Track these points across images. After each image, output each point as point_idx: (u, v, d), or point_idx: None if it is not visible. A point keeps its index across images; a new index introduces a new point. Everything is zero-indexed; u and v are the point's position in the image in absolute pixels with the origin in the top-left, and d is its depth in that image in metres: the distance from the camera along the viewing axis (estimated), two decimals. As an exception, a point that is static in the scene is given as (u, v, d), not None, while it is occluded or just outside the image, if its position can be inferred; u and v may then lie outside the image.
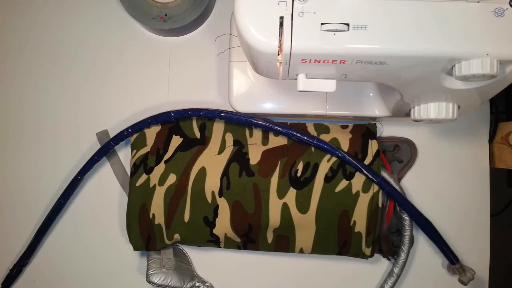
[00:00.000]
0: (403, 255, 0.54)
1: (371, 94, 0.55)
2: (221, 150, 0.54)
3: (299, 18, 0.35)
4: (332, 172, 0.52)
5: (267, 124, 0.53)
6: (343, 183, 0.52)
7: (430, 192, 0.58)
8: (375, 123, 0.56)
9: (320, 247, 0.54)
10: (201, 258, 0.59)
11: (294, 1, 0.35)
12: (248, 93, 0.55)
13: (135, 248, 0.55)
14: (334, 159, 0.52)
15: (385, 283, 0.56)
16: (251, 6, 0.35)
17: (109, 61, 0.60)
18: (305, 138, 0.52)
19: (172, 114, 0.54)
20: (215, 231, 0.54)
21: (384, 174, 0.53)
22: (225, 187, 0.52)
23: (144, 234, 0.54)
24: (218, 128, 0.55)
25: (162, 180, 0.53)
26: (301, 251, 0.55)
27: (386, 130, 0.58)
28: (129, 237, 0.54)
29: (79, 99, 0.60)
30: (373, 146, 0.53)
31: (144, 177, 0.54)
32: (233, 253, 0.59)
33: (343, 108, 0.55)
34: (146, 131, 0.55)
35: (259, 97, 0.55)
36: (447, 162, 0.58)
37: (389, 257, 0.56)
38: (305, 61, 0.37)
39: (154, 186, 0.53)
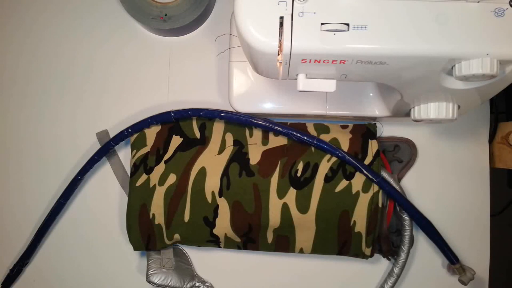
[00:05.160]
0: (403, 255, 0.54)
1: (371, 94, 0.55)
2: (221, 150, 0.54)
3: (299, 18, 0.35)
4: (332, 172, 0.52)
5: (267, 124, 0.53)
6: (343, 183, 0.52)
7: (430, 192, 0.58)
8: (375, 123, 0.56)
9: (320, 247, 0.54)
10: (201, 258, 0.59)
11: (294, 1, 0.35)
12: (248, 93, 0.55)
13: (135, 248, 0.55)
14: (334, 159, 0.52)
15: (385, 283, 0.56)
16: (251, 6, 0.35)
17: (109, 61, 0.60)
18: (305, 138, 0.52)
19: (172, 114, 0.54)
20: (215, 231, 0.54)
21: (384, 174, 0.53)
22: (225, 187, 0.52)
23: (144, 234, 0.54)
24: (218, 128, 0.55)
25: (162, 180, 0.53)
26: (301, 251, 0.55)
27: (386, 130, 0.58)
28: (129, 237, 0.54)
29: (79, 99, 0.60)
30: (373, 146, 0.53)
31: (144, 177, 0.54)
32: (233, 253, 0.59)
33: (343, 108, 0.55)
34: (146, 131, 0.55)
35: (259, 97, 0.55)
36: (447, 162, 0.58)
37: (389, 257, 0.56)
38: (305, 61, 0.37)
39: (154, 186, 0.53)
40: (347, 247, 0.53)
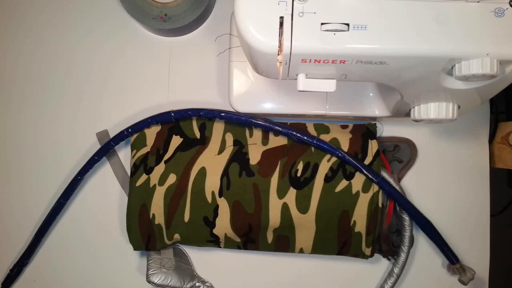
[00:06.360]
0: (403, 255, 0.54)
1: (371, 94, 0.55)
2: (221, 150, 0.54)
3: (299, 18, 0.35)
4: (332, 172, 0.52)
5: (267, 124, 0.53)
6: (343, 183, 0.52)
7: (430, 192, 0.58)
8: (375, 123, 0.56)
9: (320, 247, 0.54)
10: (201, 258, 0.59)
11: (294, 1, 0.35)
12: (248, 93, 0.55)
13: (135, 248, 0.55)
14: (334, 159, 0.52)
15: (385, 283, 0.56)
16: (251, 6, 0.35)
17: (109, 61, 0.60)
18: (305, 138, 0.52)
19: (172, 114, 0.54)
20: (215, 231, 0.54)
21: (384, 174, 0.53)
22: (225, 187, 0.52)
23: (144, 234, 0.54)
24: (218, 128, 0.55)
25: (162, 180, 0.53)
26: (301, 251, 0.55)
27: (386, 130, 0.58)
28: (129, 237, 0.54)
29: (79, 99, 0.60)
30: (373, 146, 0.53)
31: (144, 177, 0.54)
32: (233, 253, 0.59)
33: (343, 108, 0.55)
34: (146, 131, 0.55)
35: (259, 97, 0.55)
36: (447, 162, 0.58)
37: (389, 257, 0.56)
38: (305, 61, 0.37)
39: (154, 186, 0.53)
40: (347, 247, 0.53)
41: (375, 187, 0.52)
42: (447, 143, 0.58)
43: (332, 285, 0.58)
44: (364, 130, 0.55)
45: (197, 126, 0.55)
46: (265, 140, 0.55)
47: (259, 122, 0.53)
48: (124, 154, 0.59)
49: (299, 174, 0.52)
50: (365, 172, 0.51)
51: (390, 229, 0.56)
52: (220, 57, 0.59)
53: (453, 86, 0.40)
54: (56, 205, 0.57)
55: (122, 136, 0.55)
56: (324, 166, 0.52)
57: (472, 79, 0.37)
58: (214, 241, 0.55)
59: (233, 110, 0.55)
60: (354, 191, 0.51)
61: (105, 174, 0.59)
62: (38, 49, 0.60)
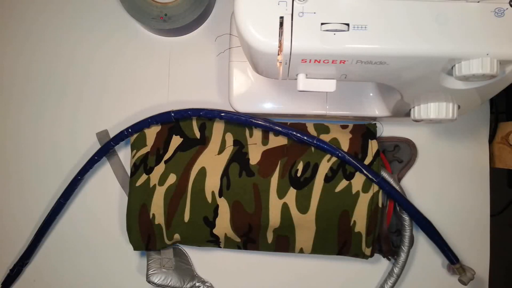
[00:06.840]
0: (403, 255, 0.54)
1: (371, 94, 0.55)
2: (221, 150, 0.54)
3: (299, 18, 0.35)
4: (332, 172, 0.52)
5: (267, 124, 0.53)
6: (343, 183, 0.52)
7: (430, 192, 0.58)
8: (375, 123, 0.56)
9: (320, 247, 0.54)
10: (201, 258, 0.59)
11: (294, 1, 0.35)
12: (248, 93, 0.55)
13: (135, 248, 0.55)
14: (334, 159, 0.52)
15: (385, 283, 0.56)
16: (251, 6, 0.36)
17: (109, 61, 0.60)
18: (305, 138, 0.52)
19: (172, 114, 0.54)
20: (215, 231, 0.54)
21: (384, 174, 0.53)
22: (225, 187, 0.52)
23: (144, 234, 0.54)
24: (218, 128, 0.55)
25: (162, 180, 0.53)
26: (301, 251, 0.55)
27: (386, 130, 0.58)
28: (129, 237, 0.54)
29: (79, 99, 0.60)
30: (373, 146, 0.53)
31: (144, 177, 0.54)
32: (233, 253, 0.59)
33: (343, 108, 0.55)
34: (146, 131, 0.55)
35: (259, 97, 0.55)
36: (447, 162, 0.58)
37: (389, 257, 0.56)
38: (305, 61, 0.37)
39: (154, 186, 0.53)
40: (347, 247, 0.53)
41: (375, 187, 0.52)
42: (447, 143, 0.58)
43: (332, 285, 0.58)
44: (364, 130, 0.55)
45: (197, 126, 0.55)
46: (265, 140, 0.55)
47: (259, 122, 0.53)
48: (124, 154, 0.59)
49: (299, 174, 0.52)
50: (365, 172, 0.51)
51: (390, 229, 0.56)
52: (220, 57, 0.59)
53: (453, 86, 0.40)
54: (56, 205, 0.57)
55: (122, 136, 0.55)
56: (324, 166, 0.52)
57: (472, 79, 0.37)
58: (214, 241, 0.55)
59: (233, 110, 0.55)
60: (354, 191, 0.51)
61: (105, 174, 0.59)
62: (38, 49, 0.60)
